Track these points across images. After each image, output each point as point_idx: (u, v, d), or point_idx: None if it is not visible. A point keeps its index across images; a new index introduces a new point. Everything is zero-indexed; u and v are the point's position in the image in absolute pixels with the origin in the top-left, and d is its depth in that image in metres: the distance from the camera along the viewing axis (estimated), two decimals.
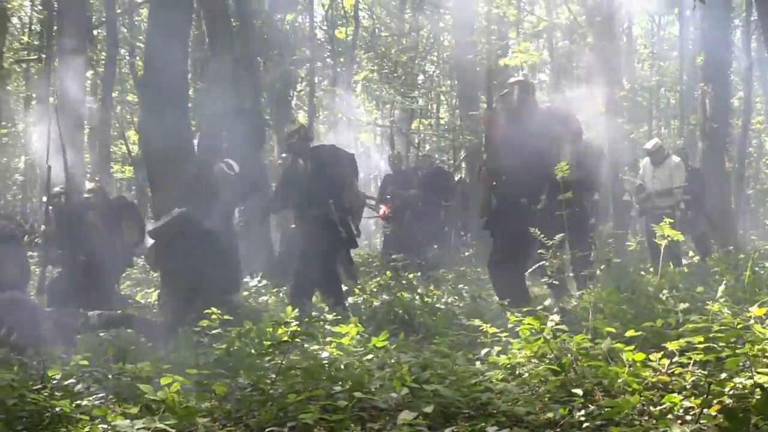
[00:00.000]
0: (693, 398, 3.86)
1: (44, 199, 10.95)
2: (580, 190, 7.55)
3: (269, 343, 5.31)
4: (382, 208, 13.61)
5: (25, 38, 31.65)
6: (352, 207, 8.39)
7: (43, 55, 26.95)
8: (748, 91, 22.55)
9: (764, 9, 12.01)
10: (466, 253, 15.04)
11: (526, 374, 4.51)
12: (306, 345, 5.41)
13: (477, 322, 5.70)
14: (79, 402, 4.39)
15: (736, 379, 3.91)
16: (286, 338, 5.22)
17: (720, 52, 17.27)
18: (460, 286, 10.65)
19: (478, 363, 5.07)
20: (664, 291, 6.62)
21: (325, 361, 4.83)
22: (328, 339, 5.41)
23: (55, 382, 4.92)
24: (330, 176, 8.14)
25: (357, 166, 8.75)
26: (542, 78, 28.13)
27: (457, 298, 9.49)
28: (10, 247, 9.73)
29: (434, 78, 25.36)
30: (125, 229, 9.59)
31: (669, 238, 7.25)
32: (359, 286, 10.37)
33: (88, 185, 11.70)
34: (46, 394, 4.39)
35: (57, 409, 4.12)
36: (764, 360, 4.15)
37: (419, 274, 11.16)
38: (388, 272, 10.71)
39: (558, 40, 25.22)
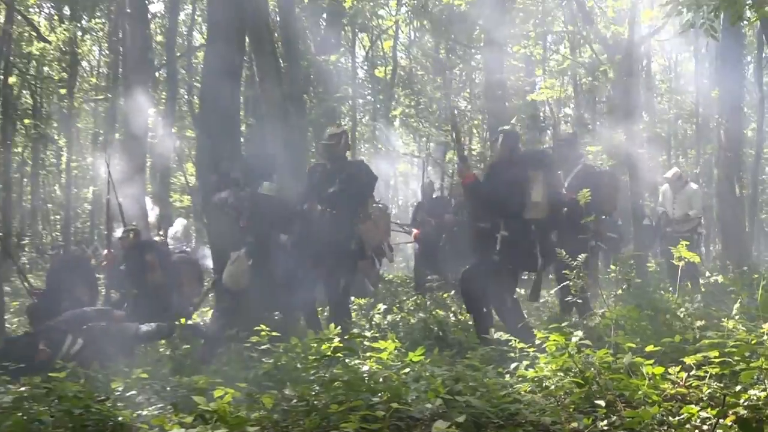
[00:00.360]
0: (709, 409, 3.81)
1: (118, 230, 11.13)
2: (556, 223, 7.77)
3: (314, 357, 5.31)
4: (414, 232, 13.61)
5: (94, 80, 32.20)
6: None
7: (110, 95, 27.37)
8: (760, 122, 22.34)
9: None
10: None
11: (552, 386, 4.47)
12: (347, 359, 5.40)
13: (505, 337, 5.67)
14: (139, 412, 4.42)
15: (751, 392, 3.87)
16: (329, 353, 5.23)
17: (733, 86, 17.14)
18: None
19: (507, 376, 5.04)
20: (682, 309, 6.53)
21: (365, 374, 4.82)
22: (368, 354, 5.39)
23: (117, 393, 4.95)
24: (355, 188, 8.05)
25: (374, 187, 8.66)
26: (567, 111, 28.02)
27: None
28: (82, 270, 9.88)
29: (466, 113, 25.33)
30: (186, 281, 9.68)
31: (686, 260, 7.18)
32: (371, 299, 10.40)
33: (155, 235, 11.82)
34: (109, 404, 4.42)
35: (119, 418, 4.15)
36: None
37: (452, 293, 11.09)
38: (420, 296, 10.73)
39: (581, 77, 25.11)
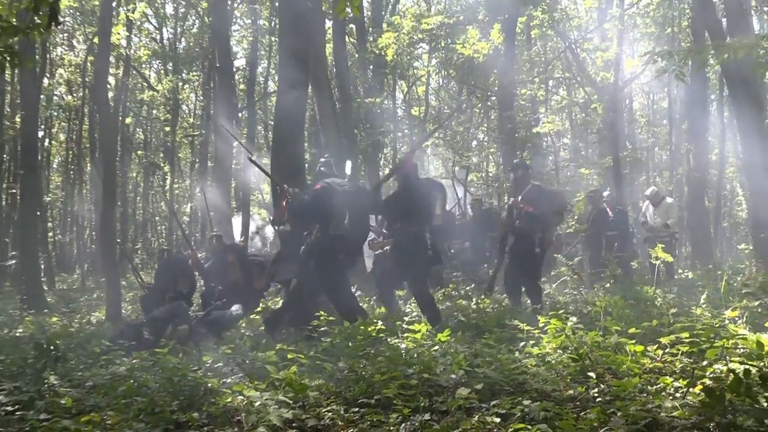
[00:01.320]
0: (681, 380, 3.75)
1: (211, 234, 11.21)
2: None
3: (361, 337, 5.31)
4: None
5: (191, 119, 32.62)
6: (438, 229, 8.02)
7: (203, 132, 27.72)
8: (722, 149, 22.02)
9: (733, 88, 11.73)
10: None
11: (553, 361, 4.42)
12: (388, 339, 5.38)
13: (516, 322, 5.62)
14: (224, 380, 4.44)
15: (715, 366, 3.79)
16: (374, 334, 5.22)
17: (700, 119, 16.91)
18: (502, 295, 10.42)
19: (516, 353, 4.98)
20: (659, 299, 6.43)
21: (402, 351, 4.80)
22: (405, 334, 5.37)
23: (207, 365, 4.99)
24: (428, 201, 7.55)
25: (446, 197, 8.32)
26: (565, 141, 27.78)
27: (497, 304, 9.25)
28: (182, 268, 9.97)
29: (484, 143, 25.25)
30: (255, 279, 9.67)
31: (662, 259, 7.06)
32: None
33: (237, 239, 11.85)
34: (200, 374, 4.45)
35: (209, 385, 4.18)
36: (736, 351, 4.02)
37: (473, 285, 10.98)
38: (450, 285, 10.58)
39: (576, 113, 24.92)
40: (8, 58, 4.73)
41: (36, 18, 4.60)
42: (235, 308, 8.23)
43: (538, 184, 8.43)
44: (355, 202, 6.81)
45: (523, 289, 8.19)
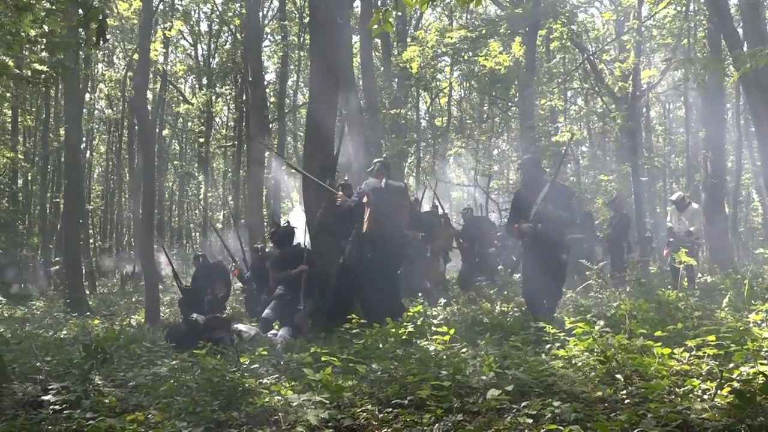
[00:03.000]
0: (708, 382, 3.66)
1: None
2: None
3: (393, 339, 5.27)
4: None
5: (224, 131, 32.87)
6: None
7: (236, 143, 27.91)
8: (738, 156, 21.73)
9: (750, 96, 11.54)
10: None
11: (580, 363, 4.34)
12: (419, 341, 5.34)
13: (542, 324, 5.54)
14: (261, 380, 4.43)
15: (742, 368, 3.69)
16: (404, 337, 5.18)
17: (717, 127, 16.67)
18: (518, 298, 10.24)
19: (543, 355, 4.91)
20: (682, 302, 6.31)
21: (433, 353, 4.75)
22: (434, 337, 5.32)
23: (245, 366, 4.97)
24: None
25: None
26: (583, 149, 27.57)
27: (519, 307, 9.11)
28: (219, 272, 9.98)
29: (505, 151, 25.15)
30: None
31: (685, 263, 6.94)
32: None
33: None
34: (238, 374, 4.44)
35: (246, 385, 4.17)
36: (762, 354, 3.92)
37: (496, 290, 10.86)
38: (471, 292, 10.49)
39: (594, 122, 24.73)
40: (60, 72, 4.80)
41: (84, 34, 4.66)
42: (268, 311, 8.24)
43: (557, 182, 7.15)
44: (389, 205, 6.79)
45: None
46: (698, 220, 11.70)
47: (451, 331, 5.15)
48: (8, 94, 18.50)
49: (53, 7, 4.91)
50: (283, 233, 8.69)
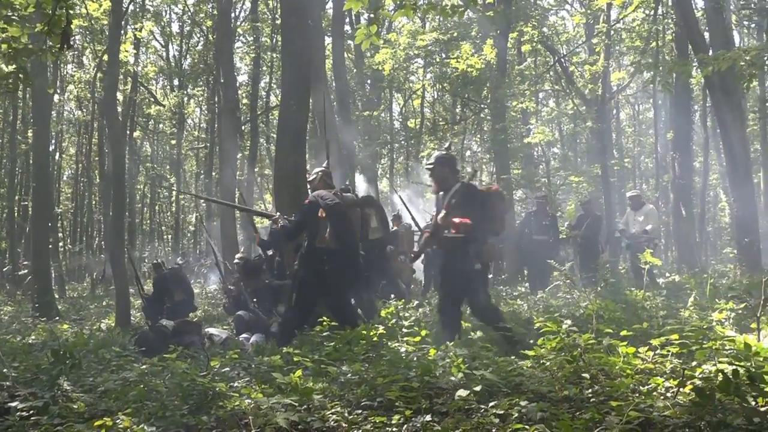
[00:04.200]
0: (672, 380, 3.74)
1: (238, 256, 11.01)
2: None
3: (363, 342, 5.30)
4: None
5: (196, 133, 32.65)
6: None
7: (208, 144, 27.76)
8: (705, 157, 22.11)
9: (715, 99, 11.78)
10: (502, 276, 14.80)
11: (548, 363, 4.40)
12: (388, 343, 5.36)
13: (510, 325, 5.60)
14: (232, 384, 4.42)
15: (704, 366, 3.77)
16: (375, 339, 5.21)
17: (684, 129, 16.96)
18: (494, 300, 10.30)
19: (512, 355, 4.97)
20: (648, 302, 6.43)
21: (403, 355, 4.78)
22: (405, 338, 5.35)
23: (215, 370, 4.96)
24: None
25: None
26: (555, 151, 27.83)
27: None
28: (179, 280, 9.95)
29: (477, 152, 25.31)
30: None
31: (649, 264, 7.06)
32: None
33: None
34: (209, 378, 4.43)
35: (216, 388, 4.16)
36: (724, 352, 4.01)
37: None
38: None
39: (565, 124, 24.99)
40: (21, 78, 4.74)
41: (49, 40, 4.61)
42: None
43: (467, 182, 6.22)
44: (341, 216, 6.65)
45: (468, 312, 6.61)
46: (654, 220, 11.80)
47: (423, 333, 5.19)
48: None
49: (14, 15, 4.84)
50: (252, 267, 8.67)
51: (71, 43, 4.46)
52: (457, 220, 5.94)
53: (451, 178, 6.19)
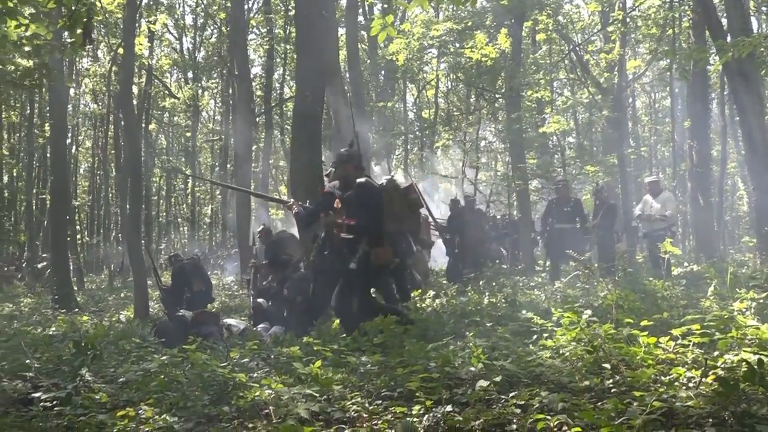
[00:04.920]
0: (694, 370, 3.71)
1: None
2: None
3: (383, 332, 5.30)
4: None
5: (211, 125, 32.74)
6: None
7: (223, 136, 27.83)
8: (723, 145, 21.86)
9: (734, 86, 11.64)
10: (519, 267, 14.72)
11: (567, 353, 4.38)
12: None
13: (529, 315, 5.58)
14: (251, 374, 4.44)
15: (726, 356, 3.74)
16: (393, 329, 5.21)
17: (702, 117, 16.78)
18: (506, 290, 10.22)
19: (531, 346, 4.95)
20: (667, 292, 6.37)
21: (422, 345, 4.78)
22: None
23: (235, 360, 4.98)
24: None
25: None
26: (570, 140, 27.64)
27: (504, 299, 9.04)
28: (197, 271, 9.99)
29: (492, 142, 25.20)
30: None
31: (668, 253, 6.99)
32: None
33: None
34: (229, 368, 4.45)
35: (237, 379, 4.18)
36: (746, 341, 3.97)
37: (483, 282, 10.88)
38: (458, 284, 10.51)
39: (581, 113, 24.82)
40: (45, 74, 4.78)
41: (70, 36, 4.63)
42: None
43: (364, 181, 6.06)
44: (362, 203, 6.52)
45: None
46: (672, 206, 11.66)
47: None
48: None
49: (39, 11, 4.85)
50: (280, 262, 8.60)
51: (93, 39, 4.49)
52: (339, 220, 5.94)
53: (352, 177, 6.07)
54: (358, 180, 6.03)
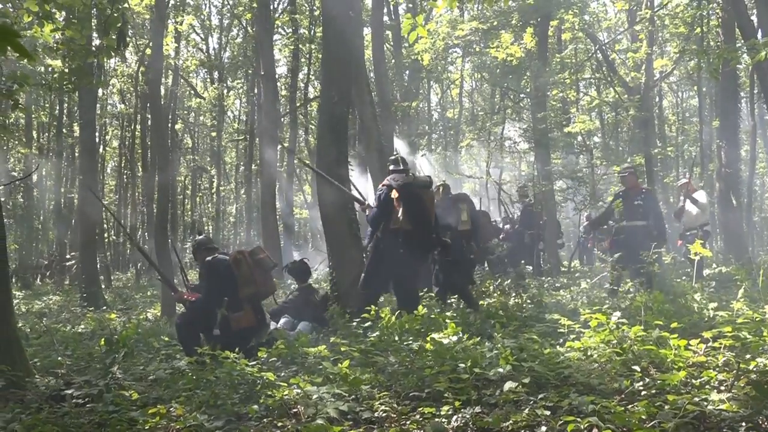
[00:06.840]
0: (725, 373, 3.67)
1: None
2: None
3: (408, 331, 5.31)
4: None
5: (236, 125, 32.95)
6: None
7: (248, 136, 27.98)
8: (752, 145, 21.55)
9: (765, 85, 11.46)
10: (546, 266, 14.60)
11: (596, 355, 4.36)
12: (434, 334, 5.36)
13: (556, 316, 5.55)
14: (279, 374, 4.47)
15: (758, 359, 3.70)
16: (418, 328, 5.21)
17: (731, 116, 16.52)
18: (534, 291, 10.14)
19: (559, 347, 4.93)
20: (697, 294, 6.31)
21: (450, 345, 4.77)
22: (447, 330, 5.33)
23: (263, 360, 5.02)
24: None
25: None
26: (595, 140, 27.40)
27: (533, 300, 8.96)
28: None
29: (517, 141, 25.08)
30: None
31: (699, 255, 6.92)
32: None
33: None
34: (257, 368, 4.49)
35: (265, 378, 4.21)
36: None
37: (509, 281, 10.80)
38: (487, 282, 10.44)
39: (607, 113, 24.60)
40: (81, 78, 4.86)
41: (104, 40, 4.71)
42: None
43: (214, 257, 6.74)
44: (415, 199, 6.87)
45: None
46: (705, 206, 11.53)
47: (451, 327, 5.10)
48: (21, 102, 18.62)
49: (72, 17, 4.94)
50: (299, 269, 8.63)
51: (127, 42, 4.57)
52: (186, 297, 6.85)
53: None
54: (206, 258, 6.61)
